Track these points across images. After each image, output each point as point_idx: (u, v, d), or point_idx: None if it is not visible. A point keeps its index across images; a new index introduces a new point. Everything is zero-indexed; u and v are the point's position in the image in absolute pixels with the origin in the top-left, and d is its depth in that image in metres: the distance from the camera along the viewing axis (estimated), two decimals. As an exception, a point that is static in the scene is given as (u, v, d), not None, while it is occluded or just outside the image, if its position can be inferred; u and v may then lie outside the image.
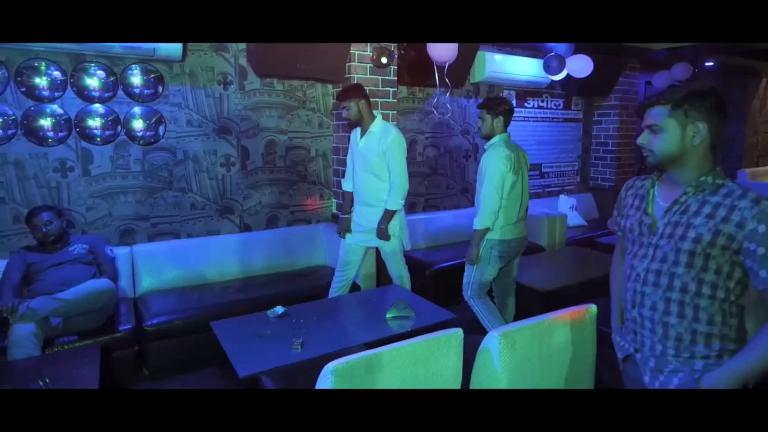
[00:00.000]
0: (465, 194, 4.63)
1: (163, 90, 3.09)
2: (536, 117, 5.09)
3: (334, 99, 3.61)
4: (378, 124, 2.71)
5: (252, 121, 3.44)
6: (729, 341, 1.18)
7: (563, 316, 1.62)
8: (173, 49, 2.90)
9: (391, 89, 3.52)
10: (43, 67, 2.72)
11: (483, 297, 2.74)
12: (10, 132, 2.69)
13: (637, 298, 1.28)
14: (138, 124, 3.02)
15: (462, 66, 4.03)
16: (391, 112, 3.53)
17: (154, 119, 3.07)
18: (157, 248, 3.11)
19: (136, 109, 3.01)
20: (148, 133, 3.06)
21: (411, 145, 4.23)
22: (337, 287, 2.94)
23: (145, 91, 3.01)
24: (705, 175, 1.19)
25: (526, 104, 4.97)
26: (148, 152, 3.10)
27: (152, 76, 3.02)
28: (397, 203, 2.70)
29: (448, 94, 4.19)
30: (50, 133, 2.78)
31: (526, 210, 2.73)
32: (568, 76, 4.36)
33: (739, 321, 1.20)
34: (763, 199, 1.12)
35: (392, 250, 2.83)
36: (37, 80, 2.71)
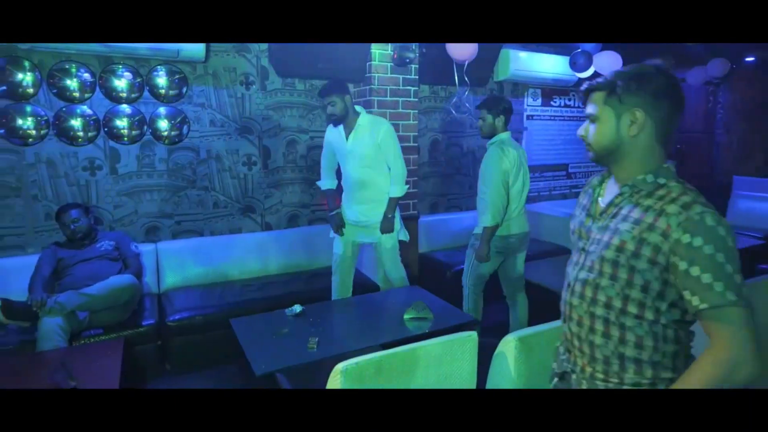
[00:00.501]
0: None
1: (186, 90, 3.15)
2: (563, 116, 4.96)
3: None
4: (365, 118, 2.68)
5: (273, 120, 3.47)
6: (664, 369, 1.02)
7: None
8: (197, 50, 2.96)
9: (413, 88, 3.49)
10: (73, 70, 2.81)
11: (478, 291, 2.83)
12: (42, 132, 2.79)
13: (566, 310, 1.14)
14: (163, 124, 3.09)
15: (485, 64, 3.96)
16: (412, 111, 3.50)
17: (179, 119, 3.14)
18: (181, 245, 3.17)
19: (161, 110, 3.08)
20: (172, 133, 3.13)
21: (433, 144, 4.19)
22: (339, 289, 2.90)
23: (170, 92, 3.08)
24: (645, 174, 1.02)
25: (552, 103, 4.85)
26: (172, 151, 3.17)
27: (176, 77, 3.09)
28: (401, 190, 2.71)
29: (467, 93, 4.13)
30: (80, 133, 2.87)
31: (524, 206, 2.79)
32: (596, 73, 4.23)
33: (677, 348, 1.02)
34: (696, 204, 0.93)
35: (393, 246, 2.81)
36: (68, 82, 2.81)
